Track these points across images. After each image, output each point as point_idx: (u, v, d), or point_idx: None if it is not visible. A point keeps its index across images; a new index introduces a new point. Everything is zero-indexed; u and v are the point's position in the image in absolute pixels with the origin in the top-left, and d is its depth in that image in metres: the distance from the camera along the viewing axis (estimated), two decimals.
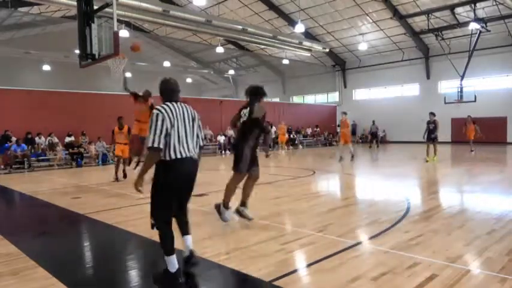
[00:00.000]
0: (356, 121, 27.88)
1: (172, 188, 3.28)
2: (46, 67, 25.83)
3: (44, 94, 16.64)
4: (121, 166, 10.29)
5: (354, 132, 27.61)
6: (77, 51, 7.02)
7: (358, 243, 4.28)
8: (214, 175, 11.82)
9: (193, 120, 3.44)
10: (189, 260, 3.43)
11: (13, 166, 13.86)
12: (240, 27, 20.11)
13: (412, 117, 23.56)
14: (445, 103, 21.48)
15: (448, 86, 22.94)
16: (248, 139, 4.96)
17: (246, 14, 24.23)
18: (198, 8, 23.48)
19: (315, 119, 27.99)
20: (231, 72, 33.25)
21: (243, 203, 5.13)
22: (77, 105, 16.61)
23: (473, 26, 19.07)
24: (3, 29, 23.51)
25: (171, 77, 3.53)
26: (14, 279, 3.44)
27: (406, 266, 3.50)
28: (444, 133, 20.88)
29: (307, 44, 23.45)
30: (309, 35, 24.79)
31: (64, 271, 3.67)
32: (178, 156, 3.24)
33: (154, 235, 3.51)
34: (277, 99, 31.32)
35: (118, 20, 8.20)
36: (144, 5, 16.14)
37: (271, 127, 19.96)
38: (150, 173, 3.28)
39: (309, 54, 26.79)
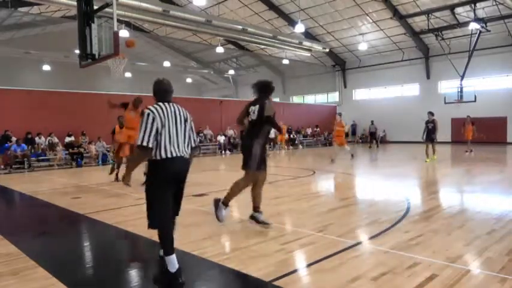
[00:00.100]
0: (356, 121, 27.97)
1: (163, 186, 3.30)
2: (46, 67, 25.84)
3: (44, 94, 16.62)
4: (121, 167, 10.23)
5: (354, 132, 27.72)
6: (77, 51, 7.03)
7: (358, 243, 4.28)
8: (214, 175, 11.83)
9: (185, 121, 3.47)
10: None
11: (13, 166, 13.85)
12: (240, 27, 20.11)
13: (412, 117, 23.51)
14: (445, 103, 21.45)
15: (448, 86, 22.91)
16: (258, 137, 4.82)
17: (246, 14, 24.22)
18: (198, 8, 23.47)
19: (315, 119, 27.97)
20: (231, 72, 33.20)
21: (256, 208, 4.90)
22: (77, 105, 16.59)
23: (473, 26, 19.05)
24: (3, 29, 23.51)
25: (164, 78, 3.59)
26: (14, 279, 3.44)
27: (406, 266, 3.50)
28: (444, 133, 20.93)
29: (307, 44, 23.45)
30: (309, 35, 24.78)
31: (64, 271, 3.67)
32: (169, 155, 3.28)
33: (154, 235, 3.51)
34: (277, 99, 31.28)
35: (118, 20, 8.20)
36: (144, 5, 16.14)
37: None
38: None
39: (309, 54, 26.79)
